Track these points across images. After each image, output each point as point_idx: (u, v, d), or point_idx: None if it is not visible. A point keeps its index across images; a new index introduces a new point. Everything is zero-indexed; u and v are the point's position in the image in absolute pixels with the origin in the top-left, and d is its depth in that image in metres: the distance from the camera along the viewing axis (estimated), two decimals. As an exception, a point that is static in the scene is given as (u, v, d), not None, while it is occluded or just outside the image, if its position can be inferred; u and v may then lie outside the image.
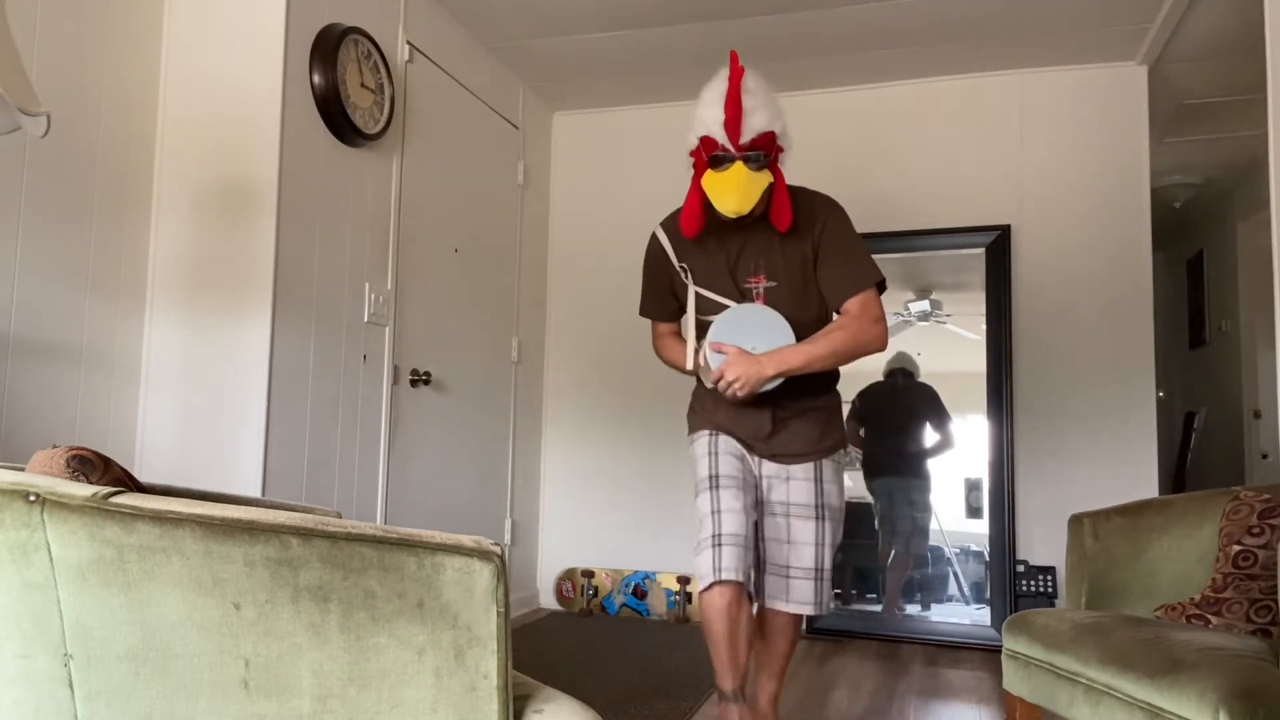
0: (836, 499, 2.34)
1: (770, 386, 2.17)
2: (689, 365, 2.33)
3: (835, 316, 2.32)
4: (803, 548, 2.28)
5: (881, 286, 2.25)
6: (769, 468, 2.32)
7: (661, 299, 2.43)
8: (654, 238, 2.38)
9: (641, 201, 4.76)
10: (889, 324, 4.06)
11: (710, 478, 2.26)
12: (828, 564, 2.30)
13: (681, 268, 2.32)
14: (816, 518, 2.29)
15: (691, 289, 2.30)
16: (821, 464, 2.32)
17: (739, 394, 2.13)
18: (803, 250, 2.25)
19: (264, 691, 1.09)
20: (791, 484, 2.30)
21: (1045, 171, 4.22)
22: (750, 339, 2.18)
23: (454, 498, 3.84)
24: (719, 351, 2.18)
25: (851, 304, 2.21)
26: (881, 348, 2.21)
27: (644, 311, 2.46)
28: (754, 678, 2.50)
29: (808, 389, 2.34)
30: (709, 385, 2.23)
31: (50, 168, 2.49)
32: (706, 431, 2.34)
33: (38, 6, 2.46)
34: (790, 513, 2.30)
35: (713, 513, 2.19)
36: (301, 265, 2.90)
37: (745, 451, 2.31)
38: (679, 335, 2.49)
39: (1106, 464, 4.07)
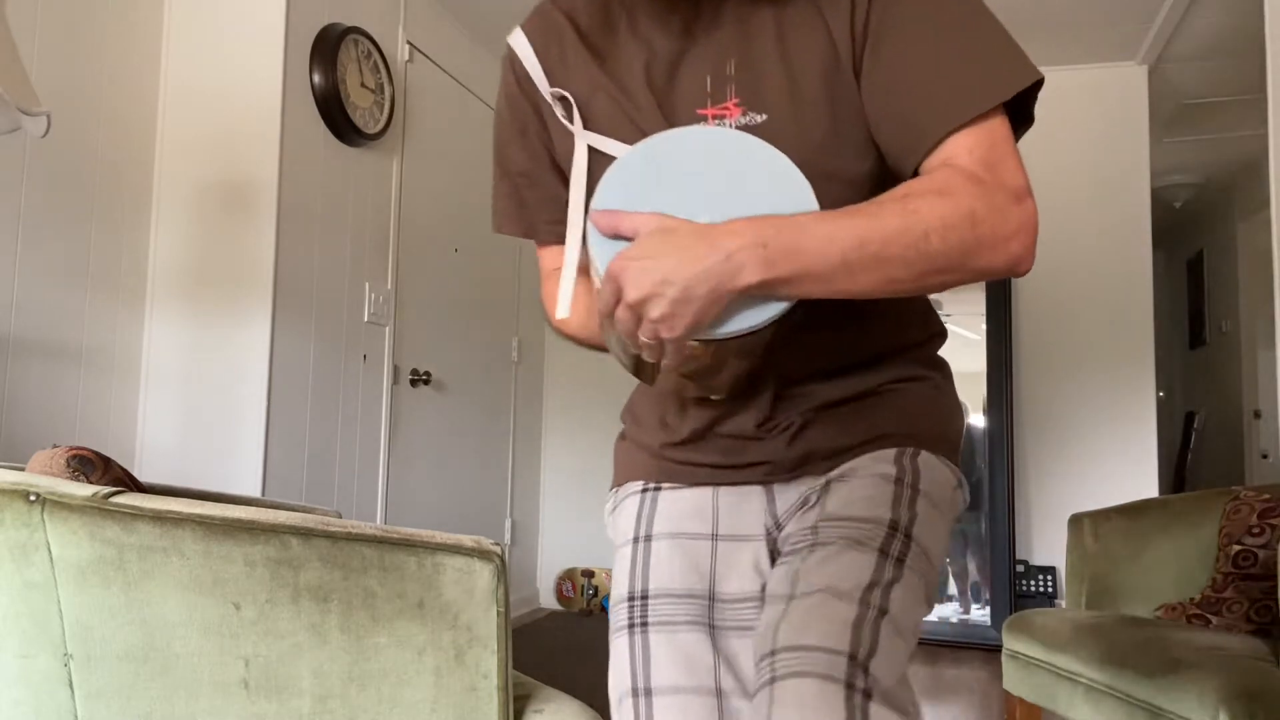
0: (931, 535, 0.97)
1: (754, 324, 0.83)
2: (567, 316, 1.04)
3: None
4: (839, 566, 0.92)
5: (1025, 110, 0.93)
6: (794, 491, 1.05)
7: (532, 184, 1.10)
8: (508, 55, 1.09)
9: (641, 201, 4.76)
10: None
11: (631, 601, 1.02)
12: (889, 606, 0.89)
13: (556, 96, 1.03)
14: (883, 549, 0.92)
15: (580, 139, 1.01)
16: (918, 457, 1.02)
17: (664, 334, 0.82)
18: (828, 42, 0.95)
19: (264, 691, 1.09)
20: (853, 483, 1.00)
21: (1045, 171, 4.22)
22: (693, 199, 0.86)
23: (454, 498, 3.84)
24: (614, 236, 0.86)
25: (955, 147, 0.89)
26: (1024, 257, 0.87)
27: (501, 222, 1.13)
28: None
29: (869, 345, 1.04)
30: (627, 363, 0.94)
31: (50, 168, 2.49)
32: (637, 485, 1.11)
33: (38, 6, 2.46)
34: (835, 535, 0.94)
35: (635, 693, 0.96)
36: (301, 265, 2.89)
37: (717, 523, 1.05)
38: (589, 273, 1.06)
39: (1106, 464, 4.07)
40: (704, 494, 1.07)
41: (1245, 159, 5.50)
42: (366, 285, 3.22)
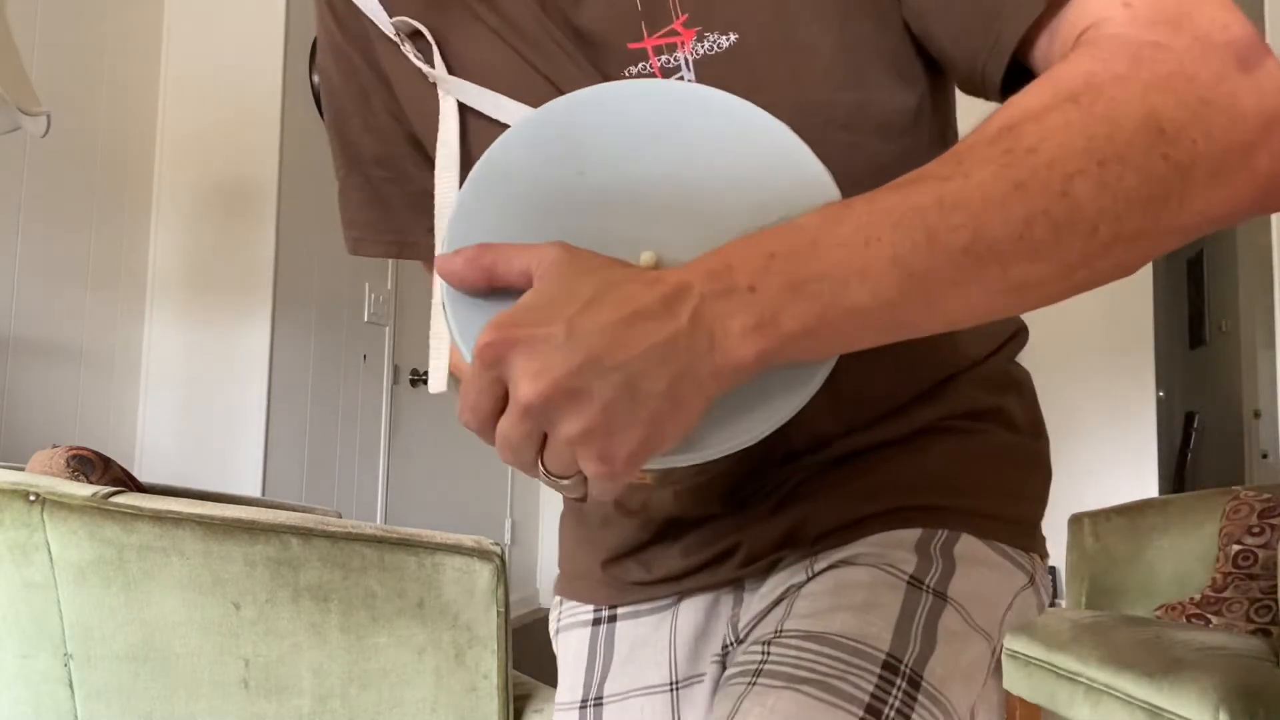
0: (957, 678, 0.60)
1: (758, 433, 0.47)
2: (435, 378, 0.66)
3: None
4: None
5: None
6: (767, 588, 0.68)
7: (395, 176, 0.73)
8: None
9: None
10: None
11: None
12: None
13: (402, 29, 0.65)
14: (870, 710, 0.54)
15: (446, 93, 0.64)
16: (957, 544, 0.65)
17: (593, 468, 0.43)
18: None
19: (264, 691, 1.09)
20: (843, 577, 0.63)
21: (1045, 171, 4.23)
22: (621, 218, 0.49)
23: (454, 498, 3.84)
24: (486, 290, 0.48)
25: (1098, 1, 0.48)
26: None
27: (357, 238, 0.75)
28: None
29: (908, 377, 0.67)
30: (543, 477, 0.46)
31: (50, 168, 2.49)
32: (586, 612, 0.80)
33: (38, 7, 2.46)
34: (794, 668, 0.57)
35: None
36: (301, 265, 2.89)
37: (675, 664, 0.73)
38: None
39: (1106, 464, 4.07)
40: (663, 620, 0.74)
41: (1245, 159, 5.49)
42: (366, 285, 3.22)
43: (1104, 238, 0.44)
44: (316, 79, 2.93)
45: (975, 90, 0.56)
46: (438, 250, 0.50)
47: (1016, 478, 0.73)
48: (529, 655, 3.95)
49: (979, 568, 0.65)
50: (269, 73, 2.81)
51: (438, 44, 0.64)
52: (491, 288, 0.47)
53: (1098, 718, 2.05)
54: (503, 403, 0.43)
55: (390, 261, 3.35)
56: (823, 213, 0.45)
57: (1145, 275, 4.10)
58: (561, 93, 0.58)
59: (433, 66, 0.64)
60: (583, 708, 0.75)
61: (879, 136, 0.58)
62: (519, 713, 1.23)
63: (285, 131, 2.81)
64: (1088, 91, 0.44)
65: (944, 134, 0.59)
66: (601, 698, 0.74)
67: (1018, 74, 0.52)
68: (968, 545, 0.65)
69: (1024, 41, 0.51)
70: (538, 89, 0.61)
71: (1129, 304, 4.10)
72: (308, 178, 2.92)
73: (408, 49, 0.65)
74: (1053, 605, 4.01)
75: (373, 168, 0.73)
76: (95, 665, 1.10)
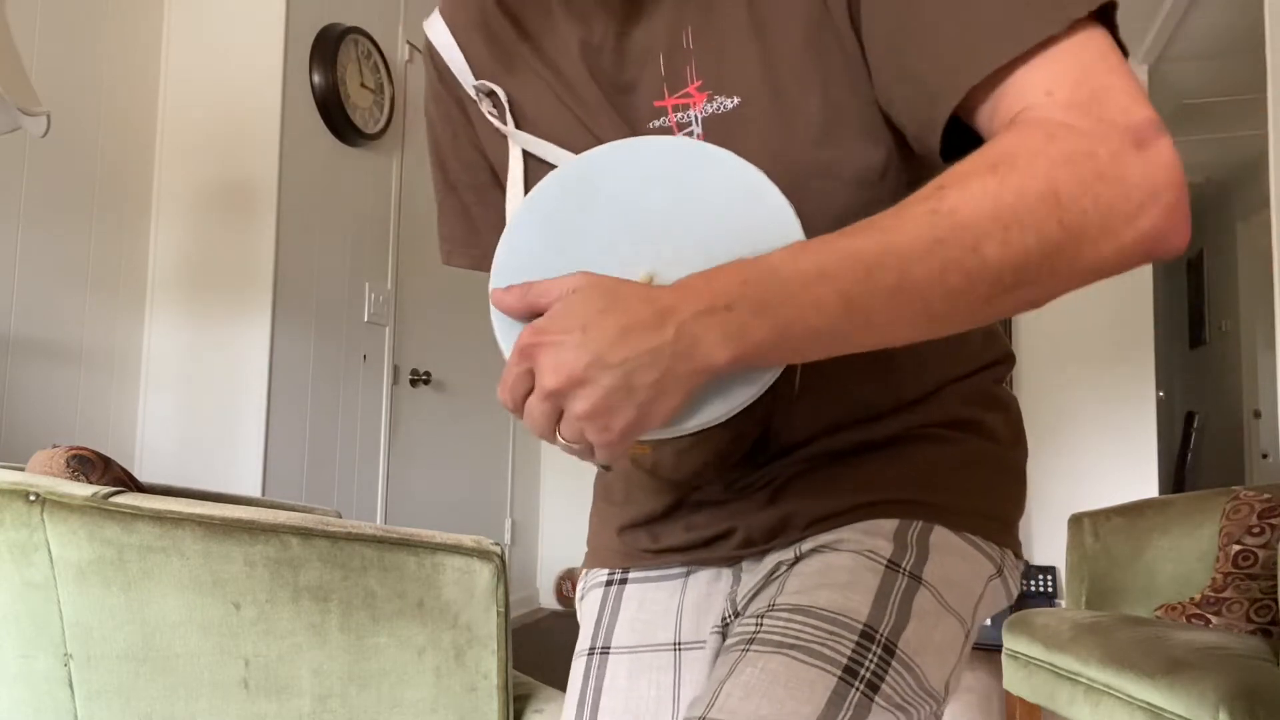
0: (929, 649, 0.68)
1: (720, 414, 0.61)
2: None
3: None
4: (776, 695, 0.63)
5: (1107, 13, 0.64)
6: (762, 567, 0.79)
7: (481, 200, 0.90)
8: (426, 46, 0.88)
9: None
10: None
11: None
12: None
13: (482, 90, 0.82)
14: (848, 669, 0.64)
15: (514, 143, 0.82)
16: (931, 534, 0.75)
17: (595, 437, 0.58)
18: None
19: (264, 691, 1.09)
20: (828, 560, 0.73)
21: (1045, 171, 4.23)
22: (633, 249, 0.65)
23: (454, 498, 3.84)
24: (530, 318, 0.64)
25: (1025, 86, 0.59)
26: (1164, 231, 0.57)
27: (451, 251, 0.93)
28: None
29: (895, 386, 0.78)
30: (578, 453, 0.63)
31: (50, 168, 2.49)
32: (603, 574, 0.91)
33: (38, 7, 2.46)
34: (782, 636, 0.66)
35: None
36: (301, 265, 2.89)
37: (680, 626, 0.84)
38: None
39: (1106, 464, 4.07)
40: (673, 586, 0.86)
41: (1245, 159, 5.50)
42: (366, 285, 3.22)
43: (1008, 283, 0.56)
44: (317, 79, 2.93)
45: (924, 154, 0.67)
46: (493, 275, 0.69)
47: (988, 478, 0.81)
48: (529, 655, 3.96)
49: (950, 556, 0.75)
50: (269, 73, 2.81)
51: (508, 100, 0.82)
52: (534, 315, 0.62)
53: (1098, 718, 2.05)
54: (532, 387, 0.59)
55: (390, 261, 3.35)
56: (789, 249, 0.58)
57: (1145, 276, 4.10)
58: (597, 138, 0.76)
59: (505, 123, 0.81)
60: (590, 655, 0.86)
61: (849, 187, 0.70)
62: (519, 713, 1.23)
63: (285, 131, 2.81)
64: (1004, 163, 0.56)
65: (913, 185, 0.65)
66: (609, 647, 0.85)
67: (965, 142, 0.62)
68: (940, 536, 0.75)
69: (968, 114, 0.62)
70: (580, 136, 0.77)
71: (1129, 304, 4.10)
72: (308, 178, 2.92)
73: (485, 107, 0.82)
74: (1053, 605, 4.01)
75: (464, 192, 0.90)
76: (95, 665, 1.10)
